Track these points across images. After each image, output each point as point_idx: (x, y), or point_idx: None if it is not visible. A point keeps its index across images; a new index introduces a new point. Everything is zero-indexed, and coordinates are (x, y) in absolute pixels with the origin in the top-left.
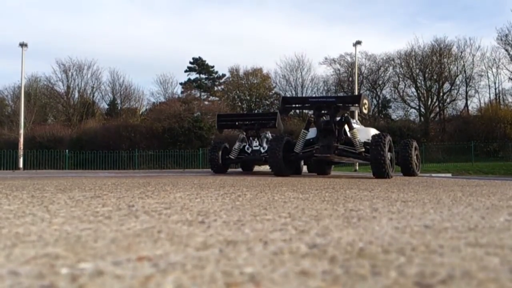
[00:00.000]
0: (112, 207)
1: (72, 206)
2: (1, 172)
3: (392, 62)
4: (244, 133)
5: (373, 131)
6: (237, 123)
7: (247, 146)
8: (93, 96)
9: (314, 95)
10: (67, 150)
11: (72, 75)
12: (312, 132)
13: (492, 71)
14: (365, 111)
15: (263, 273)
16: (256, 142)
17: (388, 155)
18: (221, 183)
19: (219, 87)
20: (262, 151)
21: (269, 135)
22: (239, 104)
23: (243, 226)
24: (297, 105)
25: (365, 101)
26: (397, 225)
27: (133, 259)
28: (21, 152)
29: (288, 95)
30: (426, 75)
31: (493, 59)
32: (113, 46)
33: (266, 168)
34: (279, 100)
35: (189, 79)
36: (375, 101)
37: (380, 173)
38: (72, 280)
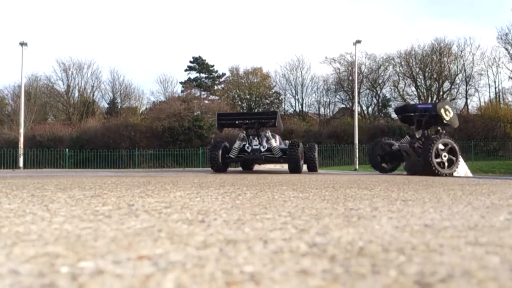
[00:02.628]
0: (112, 206)
1: (72, 205)
2: (1, 171)
3: (392, 61)
4: (244, 132)
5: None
6: (237, 122)
7: (247, 145)
8: (93, 95)
9: (314, 95)
10: (67, 149)
11: (72, 74)
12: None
13: (492, 70)
14: (447, 118)
15: (263, 272)
16: (256, 141)
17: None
18: (221, 182)
19: (219, 86)
20: (262, 150)
21: (269, 134)
22: (239, 103)
23: (243, 225)
24: None
25: (446, 107)
26: (397, 224)
27: (133, 258)
28: (21, 151)
29: (288, 94)
30: (426, 74)
31: (493, 58)
32: (113, 45)
33: (266, 167)
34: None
35: (189, 78)
36: (375, 100)
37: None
38: (72, 279)
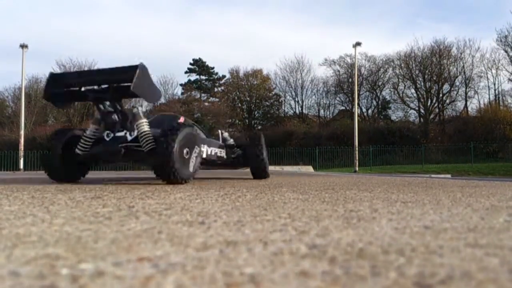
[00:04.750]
0: (113, 208)
1: (73, 207)
2: (1, 173)
3: (392, 63)
4: (99, 112)
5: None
6: (82, 89)
7: (107, 132)
8: None
9: (313, 97)
10: None
11: None
12: None
13: (492, 72)
14: None
15: (263, 273)
16: (119, 124)
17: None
18: (221, 184)
19: (219, 88)
20: (129, 138)
21: (139, 110)
22: (239, 105)
23: (243, 227)
24: None
25: None
26: (396, 226)
27: (133, 260)
28: (21, 153)
29: (288, 96)
30: (426, 76)
31: (492, 60)
32: (113, 47)
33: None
34: None
35: (189, 80)
36: (374, 102)
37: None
38: (73, 280)
